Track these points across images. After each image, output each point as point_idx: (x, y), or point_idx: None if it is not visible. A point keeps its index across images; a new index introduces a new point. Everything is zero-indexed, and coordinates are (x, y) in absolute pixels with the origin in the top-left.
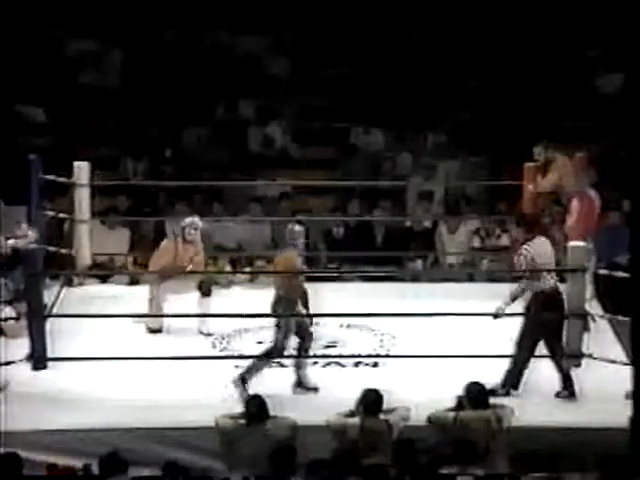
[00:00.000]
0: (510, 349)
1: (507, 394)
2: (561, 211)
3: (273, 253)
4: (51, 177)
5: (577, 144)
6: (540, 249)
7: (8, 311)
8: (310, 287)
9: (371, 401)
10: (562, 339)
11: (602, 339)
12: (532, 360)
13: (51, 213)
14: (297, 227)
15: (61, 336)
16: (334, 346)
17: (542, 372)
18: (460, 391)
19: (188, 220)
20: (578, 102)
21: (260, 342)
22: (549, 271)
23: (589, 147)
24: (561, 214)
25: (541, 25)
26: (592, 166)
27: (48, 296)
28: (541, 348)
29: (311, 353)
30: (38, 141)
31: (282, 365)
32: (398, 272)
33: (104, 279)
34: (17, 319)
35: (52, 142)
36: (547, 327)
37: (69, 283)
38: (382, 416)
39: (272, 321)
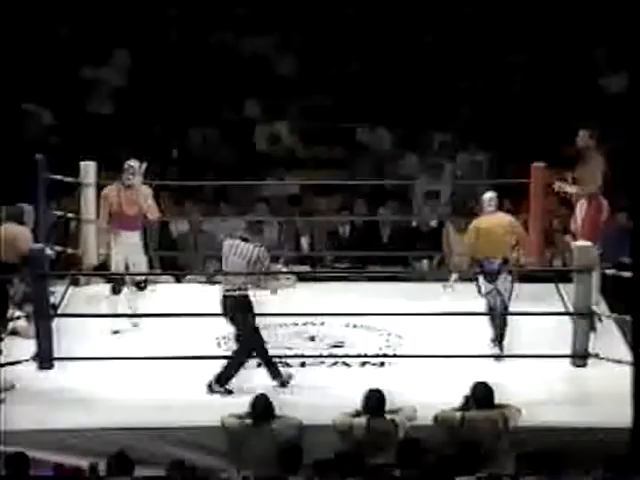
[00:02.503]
0: (514, 349)
1: (227, 392)
2: (567, 212)
3: (278, 253)
4: (58, 177)
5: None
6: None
7: (19, 312)
8: (316, 287)
9: (373, 402)
10: None
11: (608, 339)
12: (533, 360)
13: (58, 213)
14: (490, 193)
15: (67, 336)
16: (340, 346)
17: (545, 372)
18: (466, 391)
19: (126, 164)
20: (585, 102)
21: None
22: None
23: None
24: (567, 215)
25: (548, 25)
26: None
27: (54, 296)
28: (540, 348)
29: (317, 353)
30: (45, 141)
31: (287, 365)
32: (404, 272)
33: (110, 279)
34: (27, 317)
35: (59, 142)
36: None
37: (75, 283)
38: (388, 416)
39: (278, 320)
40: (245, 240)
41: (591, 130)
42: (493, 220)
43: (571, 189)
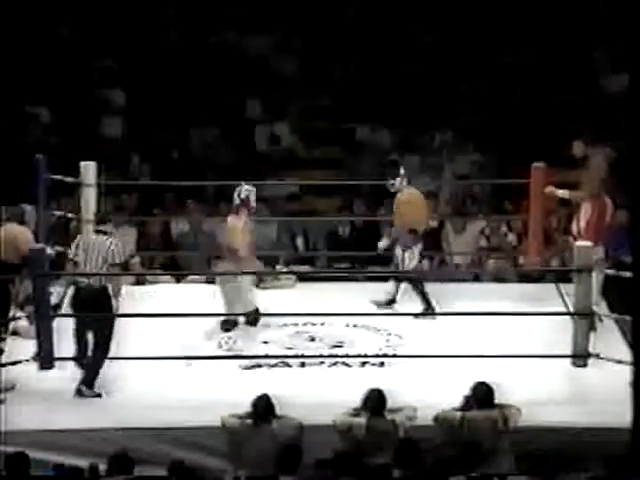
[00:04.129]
0: (514, 349)
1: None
2: (566, 212)
3: (278, 254)
4: (58, 177)
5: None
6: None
7: (20, 313)
8: (316, 287)
9: (373, 401)
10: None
11: (608, 339)
12: (533, 360)
13: (58, 213)
14: (401, 170)
15: (67, 336)
16: (340, 346)
17: (545, 372)
18: (467, 391)
19: (244, 187)
20: (585, 102)
21: (265, 342)
22: None
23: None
24: (567, 215)
25: (548, 26)
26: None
27: (55, 296)
28: (540, 348)
29: (317, 353)
30: (45, 141)
31: (287, 365)
32: (404, 272)
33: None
34: (28, 317)
35: (59, 142)
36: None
37: (76, 283)
38: (388, 416)
39: (278, 320)
40: (104, 233)
41: (585, 137)
42: (413, 193)
43: (563, 193)
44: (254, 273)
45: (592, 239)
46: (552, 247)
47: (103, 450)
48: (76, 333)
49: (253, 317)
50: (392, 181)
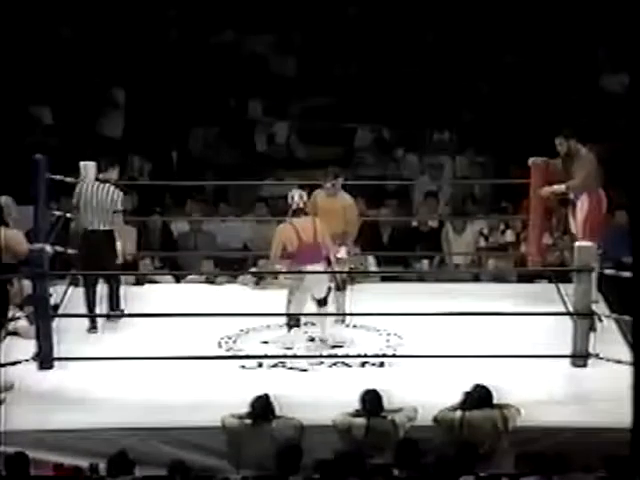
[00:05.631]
0: (514, 349)
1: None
2: (566, 211)
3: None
4: (58, 177)
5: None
6: None
7: (19, 313)
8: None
9: (369, 402)
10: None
11: (608, 339)
12: (533, 360)
13: (58, 213)
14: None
15: (67, 336)
16: (340, 346)
17: (545, 372)
18: (466, 391)
19: (290, 194)
20: (584, 102)
21: (265, 342)
22: None
23: (596, 146)
24: (566, 214)
25: (549, 25)
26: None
27: (55, 296)
28: (540, 348)
29: (317, 353)
30: (45, 141)
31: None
32: (404, 272)
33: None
34: (28, 317)
35: (59, 142)
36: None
37: (76, 283)
38: (388, 416)
39: (278, 320)
40: (106, 181)
41: (564, 133)
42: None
43: (559, 188)
44: (253, 273)
45: (589, 235)
46: (552, 247)
47: (103, 450)
48: (85, 280)
49: (295, 320)
50: (333, 181)
